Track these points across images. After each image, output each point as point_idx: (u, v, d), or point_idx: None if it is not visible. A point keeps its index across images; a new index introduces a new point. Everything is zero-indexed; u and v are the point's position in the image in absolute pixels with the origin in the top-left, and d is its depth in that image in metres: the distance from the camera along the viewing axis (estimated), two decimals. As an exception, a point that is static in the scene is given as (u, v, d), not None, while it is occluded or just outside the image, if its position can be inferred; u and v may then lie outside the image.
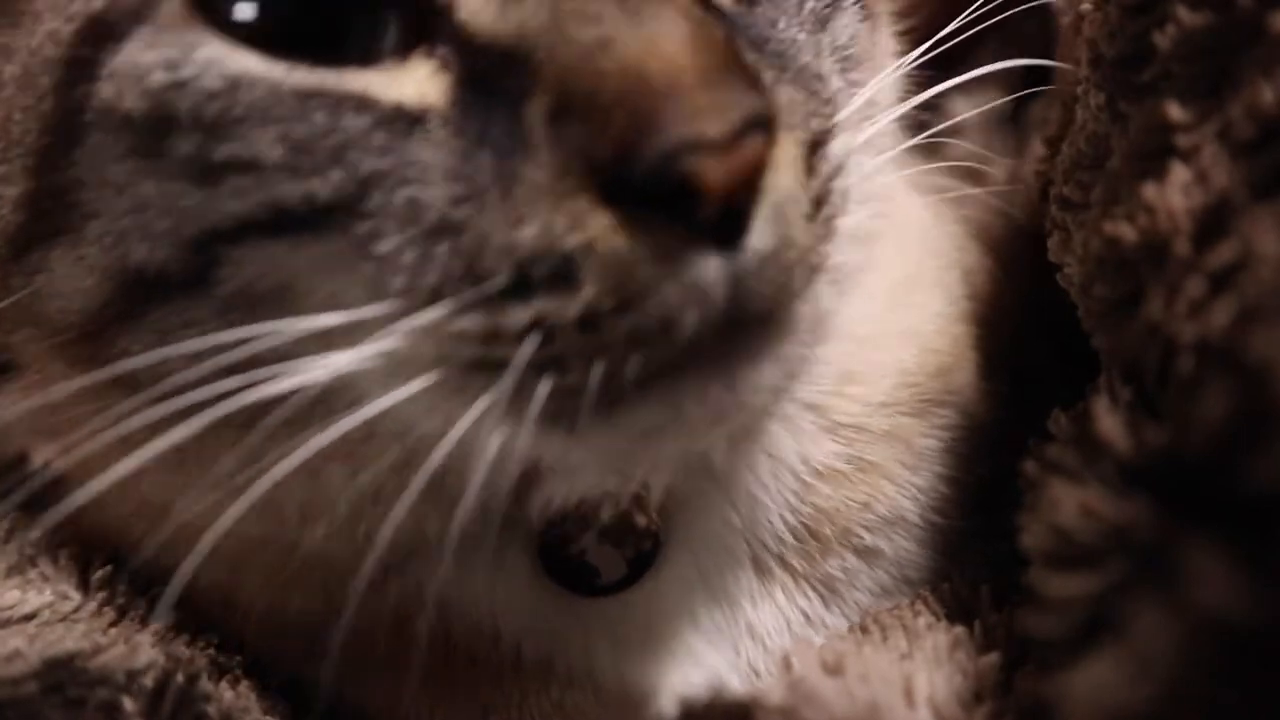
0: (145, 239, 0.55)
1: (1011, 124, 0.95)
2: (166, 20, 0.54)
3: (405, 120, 0.53)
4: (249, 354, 0.53)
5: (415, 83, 0.54)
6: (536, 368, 0.51)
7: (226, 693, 0.65)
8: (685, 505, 0.71)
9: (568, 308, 0.50)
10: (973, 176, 0.85)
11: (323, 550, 0.63)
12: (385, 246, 0.53)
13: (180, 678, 0.63)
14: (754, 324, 0.53)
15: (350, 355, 0.53)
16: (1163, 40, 0.58)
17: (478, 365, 0.52)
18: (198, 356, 0.54)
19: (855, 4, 0.66)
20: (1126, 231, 0.53)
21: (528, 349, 0.51)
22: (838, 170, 0.57)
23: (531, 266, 0.50)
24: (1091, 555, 0.49)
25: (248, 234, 0.54)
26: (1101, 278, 0.57)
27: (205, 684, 0.65)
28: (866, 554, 0.74)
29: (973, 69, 0.71)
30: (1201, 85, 0.55)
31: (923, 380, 0.76)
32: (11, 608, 0.65)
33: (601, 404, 0.52)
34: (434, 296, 0.52)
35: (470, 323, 0.51)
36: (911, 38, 0.76)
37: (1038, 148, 0.74)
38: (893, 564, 0.75)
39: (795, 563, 0.73)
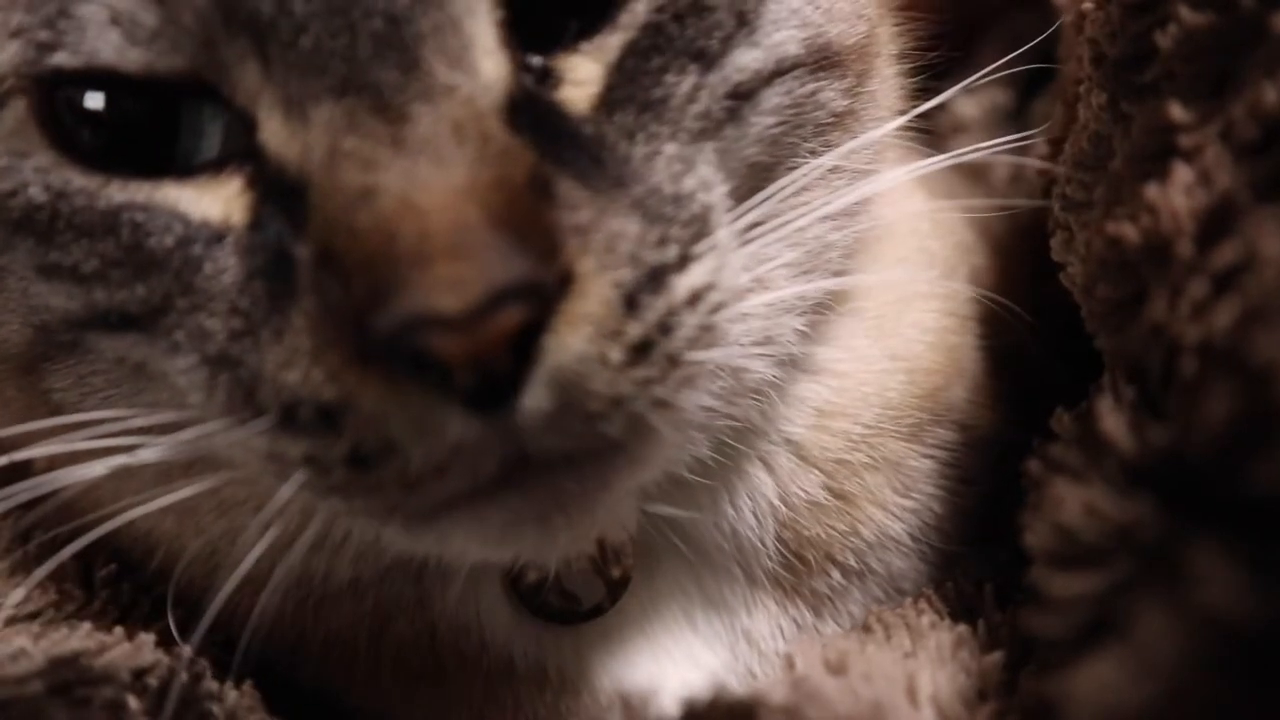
0: (37, 305, 0.58)
1: (1015, 121, 0.95)
2: (10, 124, 0.56)
3: (206, 239, 0.54)
4: (121, 427, 0.57)
5: (223, 199, 0.54)
6: (320, 490, 0.52)
7: (230, 692, 0.65)
8: (676, 524, 0.70)
9: (332, 450, 0.50)
10: (977, 174, 0.84)
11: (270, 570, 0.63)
12: (180, 364, 0.54)
13: (184, 677, 0.63)
14: (560, 463, 0.51)
15: (177, 439, 0.55)
16: (1164, 40, 0.58)
17: (274, 474, 0.53)
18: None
19: (814, 72, 0.61)
20: (1129, 232, 0.53)
21: (296, 480, 0.51)
22: (690, 301, 0.53)
23: (297, 409, 0.50)
24: (1095, 554, 0.49)
25: (90, 327, 0.57)
26: (1104, 278, 0.57)
27: (209, 683, 0.65)
28: (854, 573, 0.73)
29: (975, 67, 0.70)
30: (1204, 85, 0.54)
31: (912, 406, 0.74)
32: (16, 606, 0.65)
33: (409, 518, 0.52)
34: (224, 413, 0.53)
35: (256, 444, 0.52)
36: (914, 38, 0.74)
37: (1041, 146, 0.73)
38: (885, 580, 0.74)
39: (784, 580, 0.72)
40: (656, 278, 0.52)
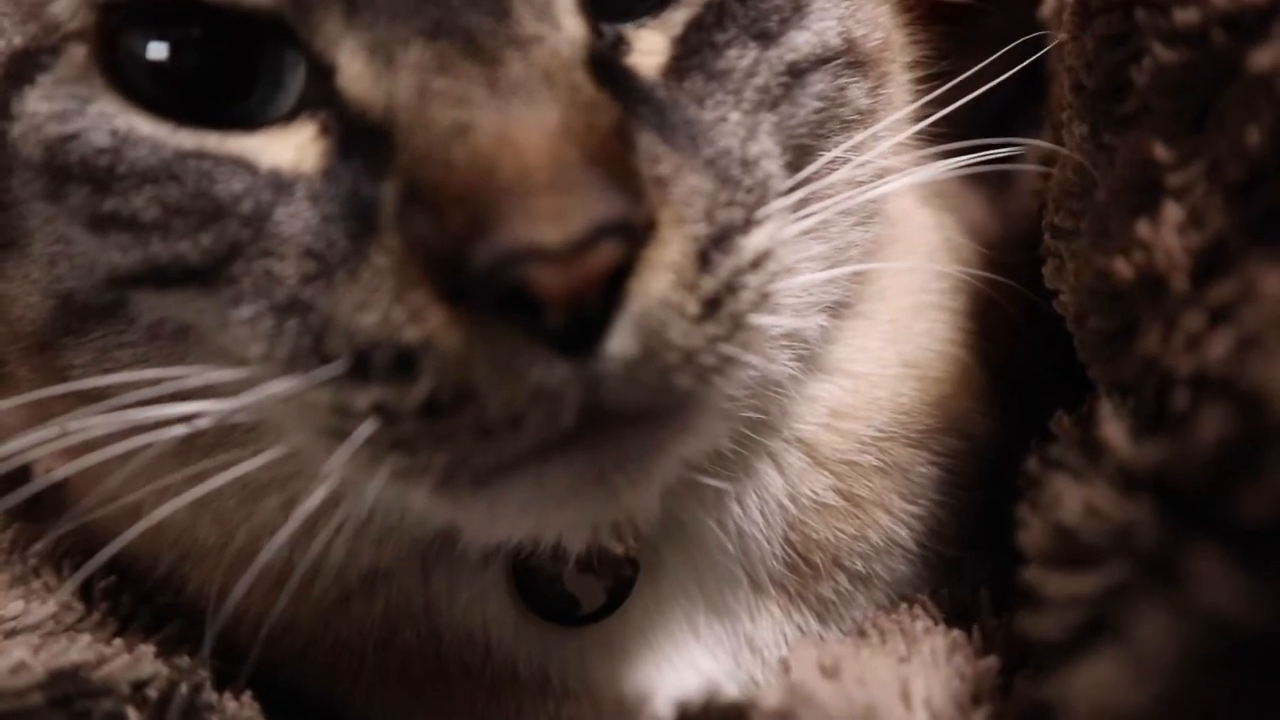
0: (70, 269, 0.57)
1: (1002, 131, 0.97)
2: (68, 71, 0.56)
3: (276, 186, 0.54)
4: (157, 394, 0.55)
5: (295, 147, 0.54)
6: (384, 445, 0.51)
7: (230, 703, 0.66)
8: (680, 526, 0.71)
9: (406, 397, 0.50)
10: (985, 179, 0.86)
11: (290, 562, 0.62)
12: (244, 314, 0.54)
13: (184, 688, 0.63)
14: (628, 420, 0.52)
15: (227, 405, 0.54)
16: (1140, 76, 0.59)
17: (332, 433, 0.52)
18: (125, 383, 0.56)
19: (845, 68, 0.64)
20: (1122, 267, 0.55)
21: (365, 431, 0.51)
22: (753, 264, 0.55)
23: (371, 353, 0.50)
24: (1093, 555, 0.50)
25: (140, 283, 0.56)
26: (1095, 310, 0.59)
27: (209, 694, 0.65)
28: (860, 579, 0.74)
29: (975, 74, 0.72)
30: (1184, 120, 0.56)
31: (922, 413, 0.76)
32: (15, 618, 0.64)
33: (470, 478, 0.52)
34: (287, 368, 0.53)
35: (319, 397, 0.52)
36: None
37: (1033, 160, 0.75)
38: (889, 585, 0.75)
39: (789, 585, 0.73)
40: (726, 237, 0.54)
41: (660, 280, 0.50)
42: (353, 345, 0.50)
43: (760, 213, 0.56)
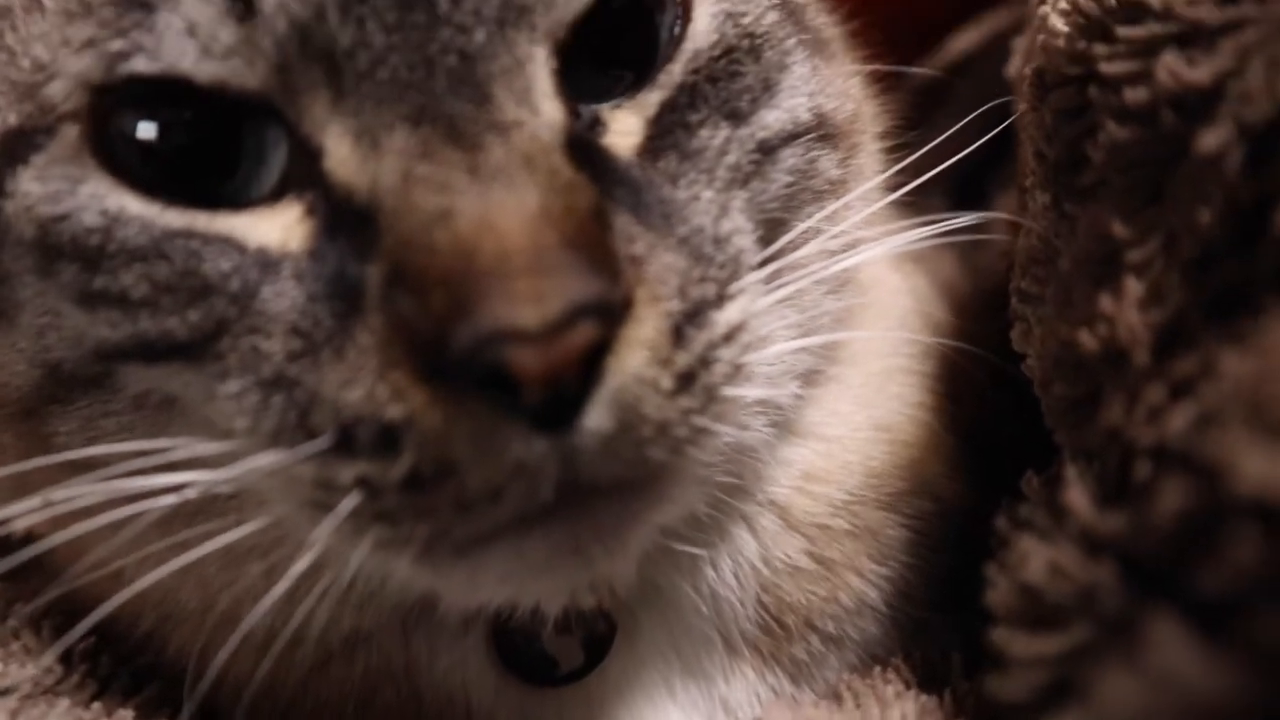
0: (59, 340, 0.58)
1: (974, 187, 0.99)
2: (60, 151, 0.58)
3: (263, 265, 0.55)
4: (143, 465, 0.56)
5: (282, 227, 0.56)
6: (367, 517, 0.53)
7: (206, 766, 0.66)
8: (656, 589, 0.72)
9: (389, 472, 0.51)
10: (957, 245, 0.88)
11: (272, 628, 0.63)
12: (231, 388, 0.55)
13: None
14: (604, 491, 0.53)
15: (213, 476, 0.55)
16: (1096, 152, 0.61)
17: (316, 505, 0.54)
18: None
19: (816, 141, 0.67)
20: (1086, 339, 0.57)
21: (349, 504, 0.52)
22: (726, 338, 0.56)
23: (355, 429, 0.52)
24: (1058, 615, 0.52)
25: (128, 357, 0.57)
26: (1060, 377, 0.60)
27: (187, 758, 0.65)
28: (832, 640, 0.75)
29: (933, 128, 0.74)
30: (1140, 196, 0.58)
31: (893, 476, 0.77)
32: (-3, 684, 0.64)
33: (451, 549, 0.53)
34: (272, 441, 0.54)
35: (304, 470, 0.53)
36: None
37: (1002, 225, 0.77)
38: (860, 646, 0.76)
39: (762, 646, 0.74)
40: (699, 312, 0.56)
41: (636, 357, 0.51)
42: (338, 421, 0.52)
43: (733, 287, 0.58)
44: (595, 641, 0.71)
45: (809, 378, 0.71)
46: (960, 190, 1.01)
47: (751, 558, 0.73)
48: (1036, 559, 0.54)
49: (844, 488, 0.75)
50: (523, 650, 0.71)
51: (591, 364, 0.50)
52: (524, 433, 0.49)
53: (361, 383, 0.51)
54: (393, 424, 0.51)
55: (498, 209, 0.51)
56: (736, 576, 0.72)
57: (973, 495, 0.78)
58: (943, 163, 0.73)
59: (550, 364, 0.48)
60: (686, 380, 0.54)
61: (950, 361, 0.79)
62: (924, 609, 0.77)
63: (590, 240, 0.52)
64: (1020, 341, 0.69)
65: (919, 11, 1.16)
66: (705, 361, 0.55)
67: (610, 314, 0.50)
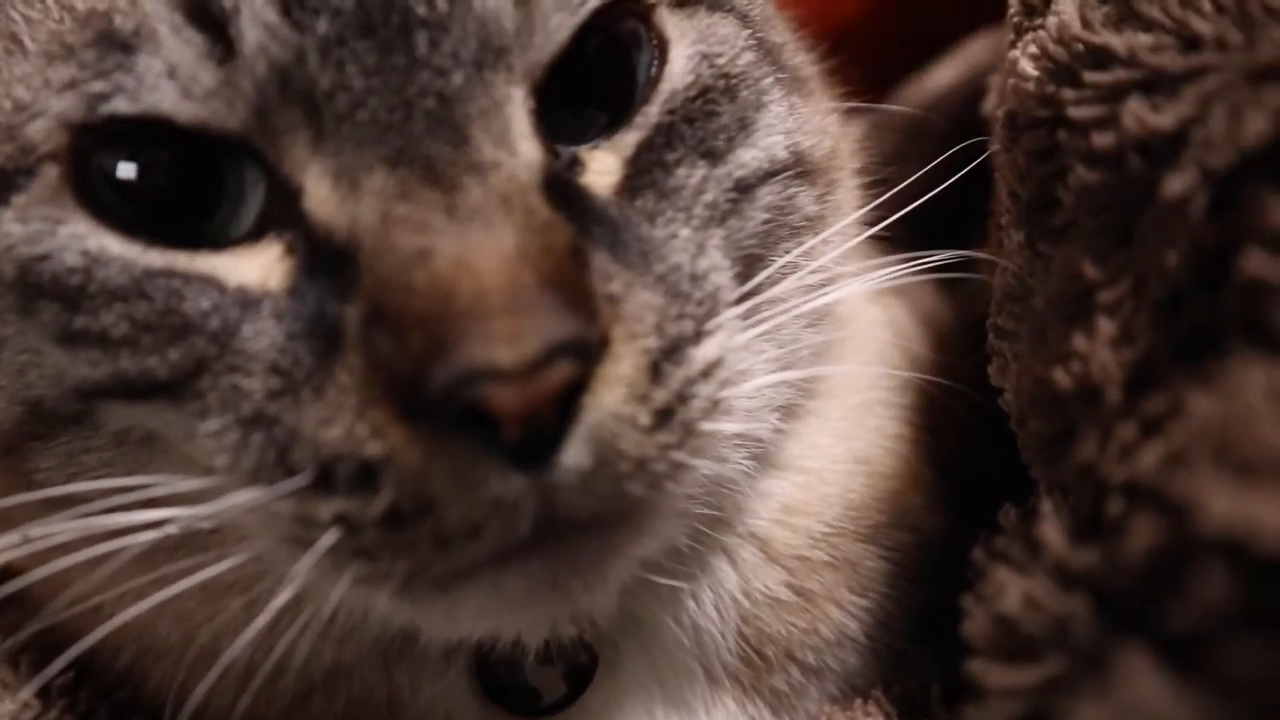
0: (39, 378, 0.59)
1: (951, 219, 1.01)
2: (41, 192, 0.58)
3: (243, 304, 0.56)
4: (123, 501, 0.56)
5: (261, 266, 0.57)
6: (347, 553, 0.53)
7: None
8: (637, 621, 0.73)
9: (368, 509, 0.52)
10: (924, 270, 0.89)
11: (252, 661, 0.63)
12: (211, 426, 0.56)
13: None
14: (582, 526, 0.54)
15: (193, 513, 0.56)
16: (1066, 194, 0.63)
17: (296, 541, 0.55)
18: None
19: (793, 178, 0.68)
20: (1061, 377, 0.58)
21: (328, 540, 0.53)
22: (703, 374, 0.57)
23: (335, 466, 0.52)
24: (1033, 647, 0.53)
25: (108, 395, 0.58)
26: (1035, 414, 0.62)
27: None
28: (813, 671, 0.76)
29: (910, 166, 0.76)
30: (1110, 238, 0.59)
31: (872, 508, 0.78)
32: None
33: (430, 584, 0.54)
34: (252, 479, 0.55)
35: (283, 507, 0.54)
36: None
37: (981, 264, 0.78)
38: (841, 677, 0.77)
39: (743, 678, 0.75)
40: (677, 349, 0.56)
41: (613, 394, 0.52)
42: (317, 458, 0.53)
43: (711, 324, 0.59)
44: (577, 672, 0.72)
45: (788, 411, 0.72)
46: (938, 224, 1.04)
47: (732, 590, 0.73)
48: (1012, 591, 0.56)
49: (823, 520, 0.76)
50: (505, 681, 0.71)
51: (569, 402, 0.51)
52: (502, 470, 0.50)
53: (340, 421, 0.52)
54: (371, 461, 0.51)
55: (475, 249, 0.52)
56: (717, 608, 0.73)
57: (952, 527, 0.79)
58: (921, 197, 0.75)
59: (527, 403, 0.49)
60: (664, 416, 0.55)
61: (929, 394, 0.81)
62: (904, 640, 0.78)
63: (567, 279, 0.53)
64: (997, 376, 0.71)
65: (897, 48, 1.18)
66: (683, 397, 0.56)
67: (587, 353, 0.51)
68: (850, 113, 0.83)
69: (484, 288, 0.50)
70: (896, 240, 0.74)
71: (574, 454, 0.51)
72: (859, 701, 0.74)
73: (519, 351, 0.49)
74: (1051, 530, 0.55)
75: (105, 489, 0.57)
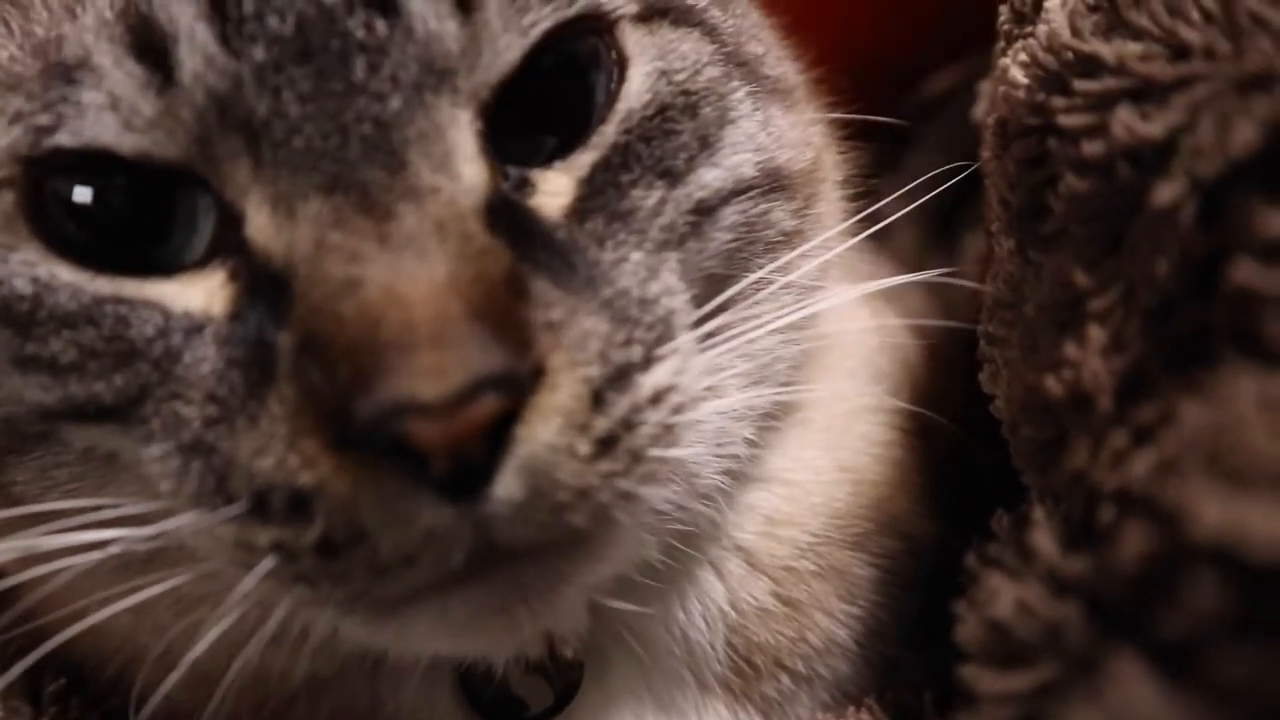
0: (6, 398, 0.60)
1: (944, 223, 1.01)
2: None
3: (186, 330, 0.56)
4: (82, 522, 0.57)
5: (206, 291, 0.57)
6: (286, 578, 0.54)
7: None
8: (625, 629, 0.72)
9: (302, 537, 0.52)
10: (912, 272, 0.89)
11: (226, 669, 0.63)
12: (154, 452, 0.57)
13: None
14: (522, 554, 0.54)
15: (141, 533, 0.56)
16: (1057, 202, 0.63)
17: (239, 564, 0.55)
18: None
19: (766, 193, 0.67)
20: (1052, 385, 0.58)
21: (266, 566, 0.53)
22: (653, 400, 0.56)
23: (269, 495, 0.53)
24: (1025, 652, 0.53)
25: (64, 418, 0.58)
26: (1027, 421, 0.62)
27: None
28: (803, 679, 0.76)
29: (905, 169, 0.75)
30: (1100, 245, 0.59)
31: (858, 516, 0.77)
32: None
33: (371, 609, 0.54)
34: (194, 504, 0.55)
35: (224, 532, 0.55)
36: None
37: (970, 267, 0.78)
38: (832, 684, 0.77)
39: (734, 685, 0.75)
40: (623, 376, 0.56)
41: (548, 425, 0.52)
42: (252, 487, 0.53)
43: (663, 349, 0.58)
44: (566, 684, 0.71)
45: (769, 423, 0.72)
46: (932, 227, 1.04)
47: (719, 601, 0.73)
48: (1005, 596, 0.56)
49: (809, 530, 0.76)
50: (491, 692, 0.71)
51: (500, 433, 0.50)
52: (432, 501, 0.50)
53: (273, 450, 0.52)
54: (303, 491, 0.52)
55: (406, 279, 0.51)
56: (705, 619, 0.73)
57: (943, 533, 0.78)
58: (914, 201, 0.75)
59: (452, 436, 0.49)
60: (607, 444, 0.54)
61: (922, 397, 0.80)
62: (895, 647, 0.78)
63: (499, 309, 0.52)
64: (989, 383, 0.71)
65: (889, 58, 1.18)
66: (629, 425, 0.55)
67: (516, 384, 0.51)
68: (839, 123, 0.81)
69: (411, 319, 0.50)
70: (888, 243, 0.73)
71: (506, 485, 0.51)
72: (851, 709, 0.74)
73: (442, 385, 0.48)
74: (1043, 537, 0.55)
75: (62, 509, 0.58)
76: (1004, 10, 0.76)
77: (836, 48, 0.84)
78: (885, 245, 0.86)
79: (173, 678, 0.59)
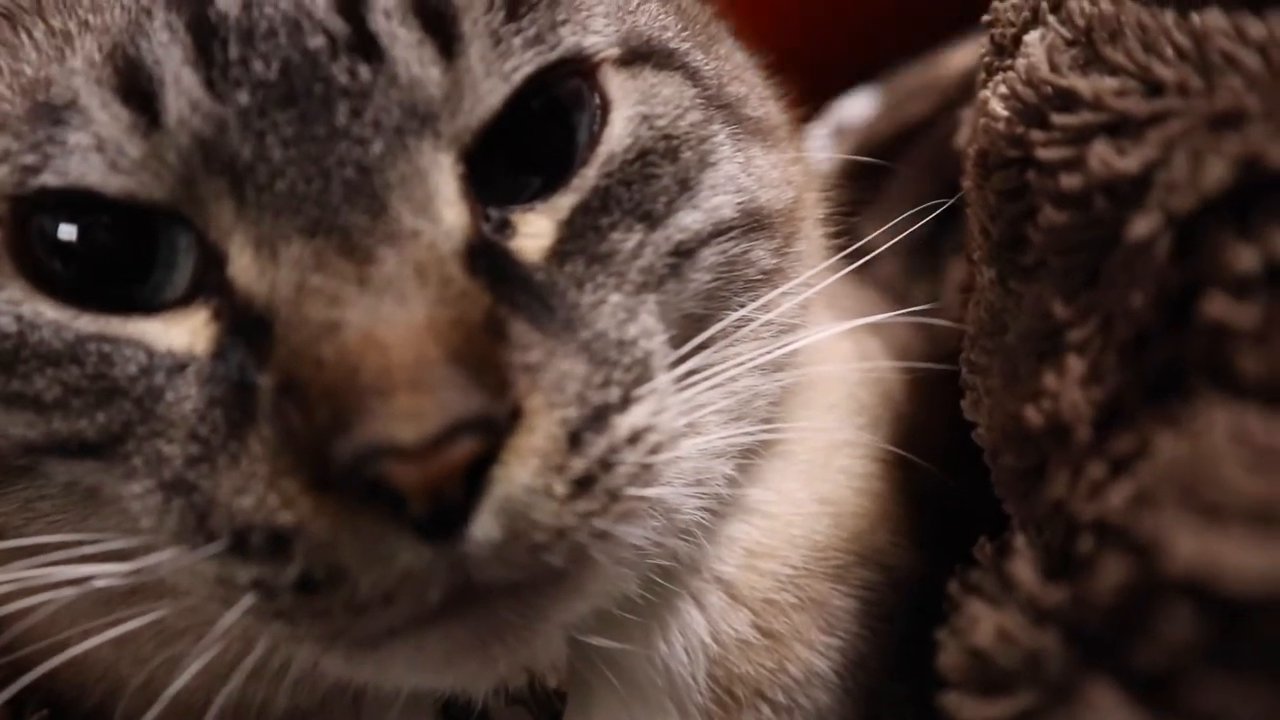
0: None
1: (928, 249, 1.02)
2: None
3: (169, 369, 0.57)
4: (65, 557, 0.58)
5: (189, 330, 0.58)
6: (266, 615, 0.54)
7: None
8: (608, 659, 0.72)
9: (281, 576, 0.53)
10: (896, 301, 0.90)
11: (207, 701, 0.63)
12: (136, 489, 0.57)
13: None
14: (499, 593, 0.54)
15: (122, 568, 0.57)
16: (1036, 234, 0.63)
17: (219, 600, 0.56)
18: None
19: (747, 233, 0.67)
20: (1032, 414, 0.59)
21: (246, 603, 0.54)
22: (630, 440, 0.57)
23: (249, 534, 0.53)
24: (1005, 680, 0.54)
25: (48, 453, 0.59)
26: (1008, 449, 0.63)
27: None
28: (784, 709, 0.76)
29: (886, 198, 0.76)
30: (1078, 277, 0.60)
31: (838, 549, 0.78)
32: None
33: (349, 646, 0.55)
34: (175, 540, 0.56)
35: (205, 569, 0.55)
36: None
37: (953, 297, 0.78)
38: (813, 716, 0.76)
39: (715, 716, 0.74)
40: (600, 417, 0.56)
41: (525, 467, 0.53)
42: (232, 525, 0.54)
43: (640, 390, 0.59)
44: (547, 712, 0.71)
45: (749, 458, 0.72)
46: (915, 253, 1.05)
47: (700, 632, 0.73)
48: (986, 624, 0.56)
49: (789, 562, 0.76)
50: None
51: (477, 475, 0.51)
52: (411, 541, 0.51)
53: (253, 490, 0.53)
54: (283, 530, 0.52)
55: (384, 323, 0.52)
56: (686, 651, 0.73)
57: (924, 563, 0.79)
58: (896, 228, 0.76)
59: (429, 478, 0.50)
60: (584, 485, 0.55)
61: (904, 428, 0.81)
62: (876, 677, 0.78)
63: (477, 352, 0.53)
64: (971, 411, 0.71)
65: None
66: (606, 465, 0.56)
67: (493, 427, 0.51)
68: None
69: (389, 363, 0.51)
70: (872, 273, 0.74)
71: (484, 526, 0.52)
72: (837, 739, 0.74)
73: (419, 428, 0.49)
74: (1024, 566, 0.56)
75: (44, 544, 0.58)
76: (985, 42, 0.77)
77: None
78: (868, 274, 0.87)
79: (153, 711, 0.59)
